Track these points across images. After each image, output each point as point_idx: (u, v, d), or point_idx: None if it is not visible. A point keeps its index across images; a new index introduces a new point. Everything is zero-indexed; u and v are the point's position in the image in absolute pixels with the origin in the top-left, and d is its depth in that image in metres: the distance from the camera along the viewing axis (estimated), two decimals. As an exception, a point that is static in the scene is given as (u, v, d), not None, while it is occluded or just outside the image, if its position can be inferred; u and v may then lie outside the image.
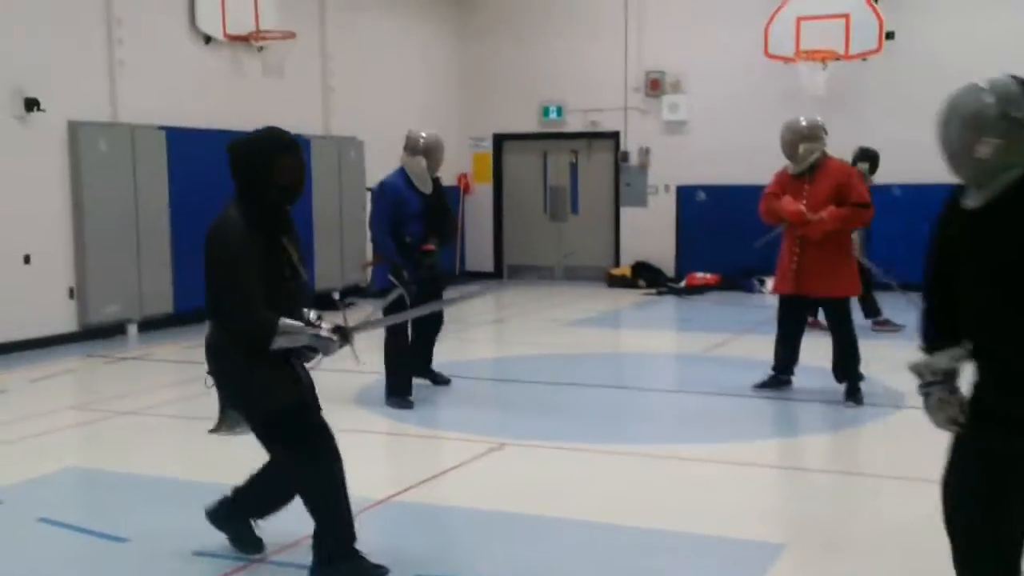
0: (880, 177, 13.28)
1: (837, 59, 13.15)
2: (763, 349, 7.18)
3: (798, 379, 7.20)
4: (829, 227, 6.70)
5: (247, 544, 4.22)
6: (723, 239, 14.01)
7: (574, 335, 10.37)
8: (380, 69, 14.08)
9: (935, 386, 3.08)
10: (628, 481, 5.44)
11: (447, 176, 15.44)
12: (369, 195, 13.40)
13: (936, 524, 4.71)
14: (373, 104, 13.76)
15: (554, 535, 4.60)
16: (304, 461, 3.88)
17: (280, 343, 3.75)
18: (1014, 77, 2.99)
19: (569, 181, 15.39)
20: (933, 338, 3.13)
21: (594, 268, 15.13)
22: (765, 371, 7.30)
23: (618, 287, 14.24)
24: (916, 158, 13.08)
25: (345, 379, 7.87)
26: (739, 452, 5.99)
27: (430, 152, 7.24)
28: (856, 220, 6.85)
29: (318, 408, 4.00)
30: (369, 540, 4.01)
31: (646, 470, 5.62)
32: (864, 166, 10.04)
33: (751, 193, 13.61)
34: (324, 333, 3.91)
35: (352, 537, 3.88)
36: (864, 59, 13.15)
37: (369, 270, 7.84)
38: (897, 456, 5.94)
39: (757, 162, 13.51)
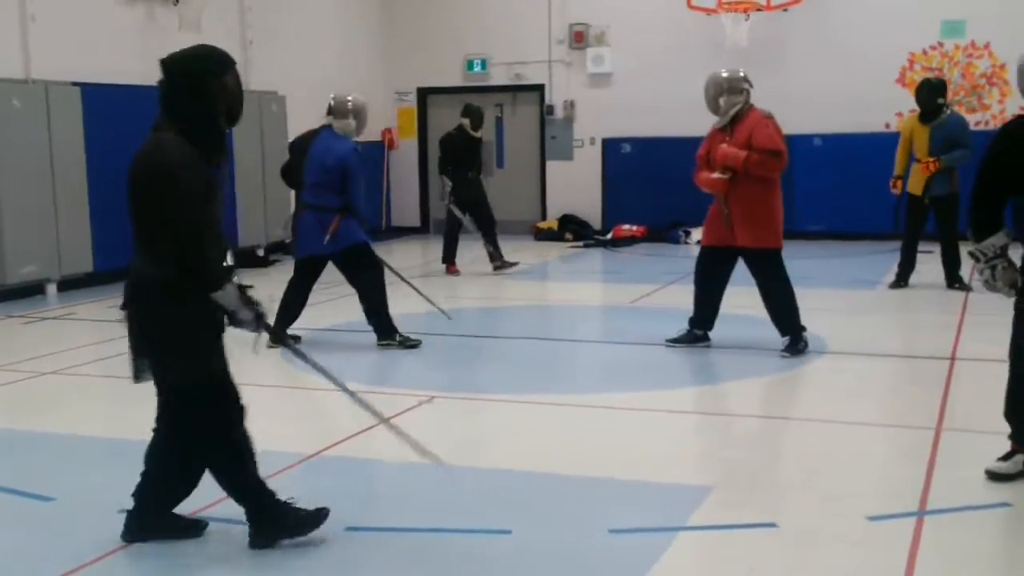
0: (801, 128, 13.50)
1: (759, 10, 13.28)
2: (688, 299, 7.27)
3: (722, 326, 7.31)
4: (739, 166, 6.68)
5: (187, 531, 3.96)
6: (649, 191, 14.12)
7: (501, 288, 10.40)
8: (300, 22, 13.82)
9: (997, 259, 4.19)
10: (558, 431, 5.51)
11: (371, 131, 15.36)
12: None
13: (857, 463, 4.88)
14: (294, 58, 13.51)
15: (485, 485, 4.64)
16: (216, 431, 3.73)
17: (220, 296, 3.54)
18: None
19: (494, 135, 15.33)
20: (984, 220, 4.21)
21: (520, 222, 15.13)
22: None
23: (545, 240, 14.29)
24: (836, 108, 13.38)
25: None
26: (666, 400, 6.09)
27: (359, 114, 7.46)
28: (765, 166, 6.72)
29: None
30: (300, 495, 4.01)
31: (575, 420, 5.69)
32: (465, 121, 11.04)
33: (676, 145, 13.77)
34: (248, 316, 3.67)
35: (272, 495, 3.82)
36: (785, 10, 13.29)
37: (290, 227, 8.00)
38: (819, 400, 6.10)
39: (682, 114, 13.59)
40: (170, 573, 3.73)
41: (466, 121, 11.12)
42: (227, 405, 3.75)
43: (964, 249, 5.79)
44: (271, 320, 3.89)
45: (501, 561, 3.80)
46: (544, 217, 15.05)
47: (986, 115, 13.14)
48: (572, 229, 14.38)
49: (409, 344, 7.39)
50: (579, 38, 14.69)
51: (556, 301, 10.35)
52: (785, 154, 6.76)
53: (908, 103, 13.21)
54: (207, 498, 4.04)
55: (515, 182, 15.38)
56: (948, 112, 9.35)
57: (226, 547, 3.91)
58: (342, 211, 7.28)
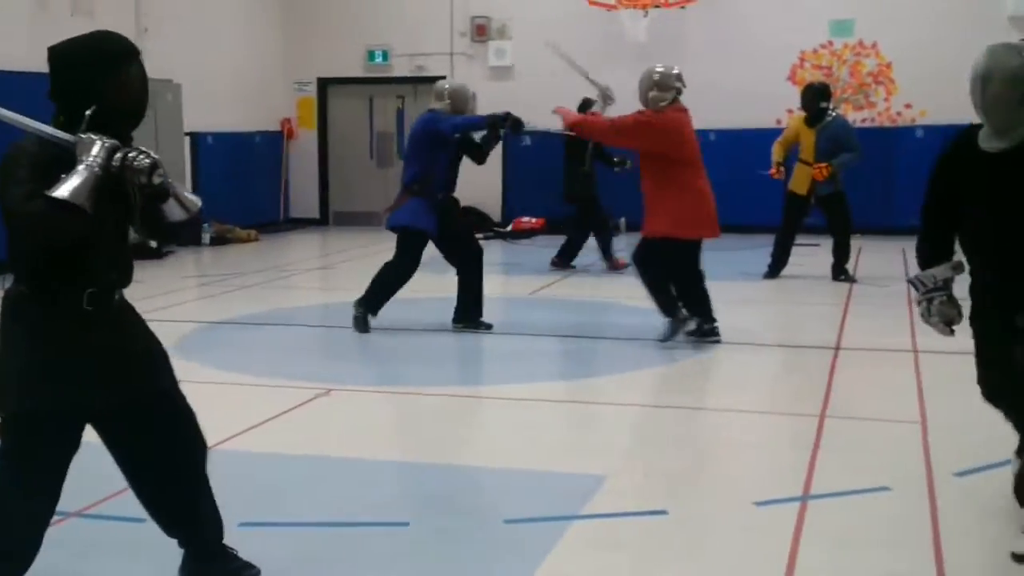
0: (697, 123, 13.68)
1: (657, 7, 13.49)
2: (586, 291, 7.38)
3: (619, 317, 7.43)
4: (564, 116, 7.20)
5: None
6: (549, 184, 14.21)
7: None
8: (197, 9, 13.53)
9: (936, 292, 3.79)
10: (456, 422, 5.54)
11: (270, 121, 15.16)
12: (189, 140, 13.01)
13: (744, 451, 5.02)
14: (191, 46, 13.22)
15: (382, 478, 4.65)
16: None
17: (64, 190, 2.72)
18: None
19: (396, 126, 15.27)
20: (930, 256, 3.85)
21: (422, 214, 15.11)
22: (592, 312, 7.50)
23: (446, 232, 14.27)
24: (730, 104, 13.66)
25: (162, 328, 7.68)
26: (561, 390, 6.18)
27: (455, 97, 7.55)
28: (587, 127, 7.29)
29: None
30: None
31: (472, 411, 5.73)
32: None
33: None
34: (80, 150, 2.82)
35: None
36: (683, 7, 13.52)
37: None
38: (708, 389, 6.26)
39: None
40: None
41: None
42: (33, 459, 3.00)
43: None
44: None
45: (398, 554, 3.81)
46: (446, 209, 15.03)
47: (872, 113, 13.59)
48: (472, 221, 14.40)
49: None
50: (481, 31, 14.72)
51: (454, 293, 10.37)
52: (616, 127, 7.06)
53: (798, 100, 13.60)
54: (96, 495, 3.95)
55: (416, 174, 15.32)
56: (832, 116, 9.67)
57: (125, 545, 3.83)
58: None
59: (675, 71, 7.13)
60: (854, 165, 9.58)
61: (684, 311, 7.03)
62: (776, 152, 9.91)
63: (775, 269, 9.92)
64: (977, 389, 4.17)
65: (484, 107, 14.86)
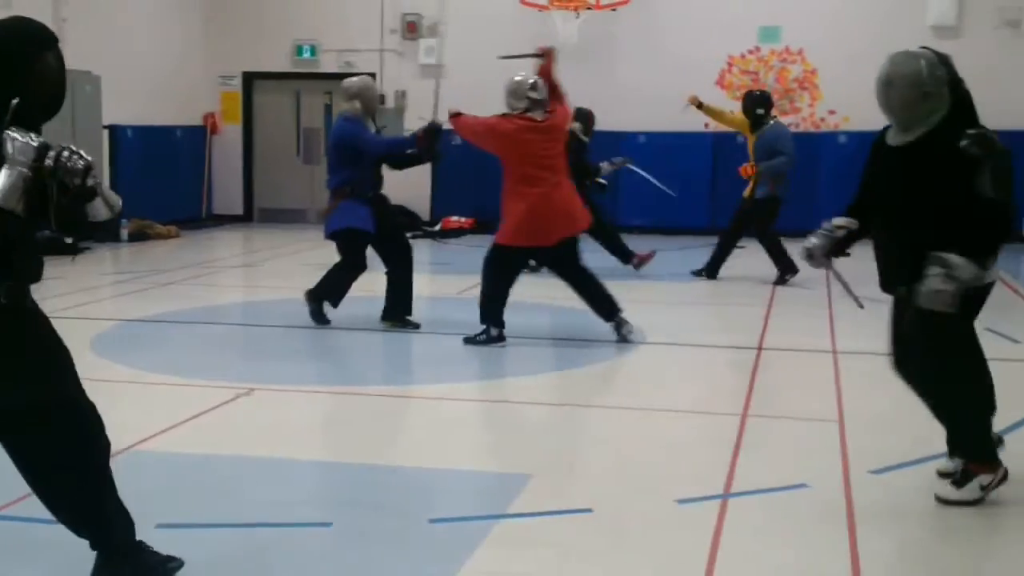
0: (628, 125, 13.88)
1: (589, 8, 13.55)
2: (514, 291, 7.37)
3: (541, 318, 7.44)
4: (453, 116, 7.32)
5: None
6: (478, 183, 14.20)
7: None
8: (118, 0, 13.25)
9: (822, 230, 4.40)
10: (379, 422, 5.49)
11: (192, 115, 14.90)
12: (107, 133, 12.72)
13: (668, 450, 5.06)
14: (111, 36, 12.94)
15: (305, 477, 4.59)
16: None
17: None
18: (929, 48, 4.24)
19: (323, 123, 15.11)
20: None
21: (350, 212, 14.99)
22: (520, 313, 7.49)
23: (374, 231, 14.18)
24: (660, 107, 13.78)
25: (78, 325, 7.50)
26: (486, 390, 6.17)
27: (363, 95, 7.64)
28: (457, 126, 7.40)
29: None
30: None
31: (396, 411, 5.69)
32: (576, 125, 10.43)
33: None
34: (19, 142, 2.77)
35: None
36: (614, 9, 13.61)
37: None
38: (633, 389, 6.30)
39: (510, 108, 13.77)
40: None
41: (577, 126, 10.23)
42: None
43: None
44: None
45: (320, 555, 3.76)
46: (374, 207, 14.93)
47: (797, 118, 13.82)
48: (401, 220, 14.31)
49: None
50: (412, 28, 14.65)
51: (382, 292, 10.30)
52: (472, 128, 7.27)
53: (727, 104, 13.76)
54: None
55: (344, 171, 15.19)
56: (770, 123, 9.82)
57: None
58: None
59: (530, 81, 7.19)
60: (784, 170, 9.69)
61: (495, 331, 7.07)
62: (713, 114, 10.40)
63: (712, 269, 10.03)
64: (894, 388, 4.26)
65: (415, 103, 14.83)
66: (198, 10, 14.91)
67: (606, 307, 7.16)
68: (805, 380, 6.35)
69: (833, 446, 4.92)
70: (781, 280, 9.79)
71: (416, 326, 7.57)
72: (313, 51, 14.94)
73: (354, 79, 7.69)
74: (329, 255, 11.58)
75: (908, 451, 4.82)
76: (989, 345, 6.41)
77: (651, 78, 13.91)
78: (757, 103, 9.88)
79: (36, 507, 3.70)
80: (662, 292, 9.52)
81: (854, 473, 4.54)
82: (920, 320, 4.06)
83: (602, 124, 13.98)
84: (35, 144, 2.77)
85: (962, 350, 4.12)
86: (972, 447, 4.21)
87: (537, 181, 7.02)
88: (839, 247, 4.46)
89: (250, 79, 15.30)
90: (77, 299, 8.64)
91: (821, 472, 4.56)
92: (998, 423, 4.30)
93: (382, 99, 14.85)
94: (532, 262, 9.50)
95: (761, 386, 6.12)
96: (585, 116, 10.38)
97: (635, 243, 10.56)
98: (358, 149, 7.41)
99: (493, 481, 4.52)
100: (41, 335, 3.12)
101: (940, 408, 4.30)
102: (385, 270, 7.72)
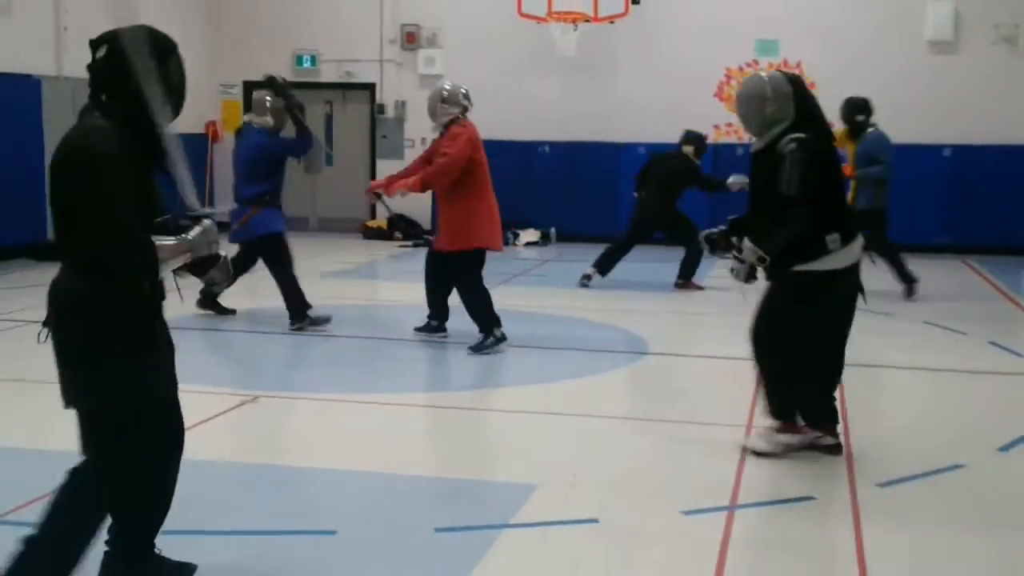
0: (626, 136, 13.91)
1: (587, 21, 13.57)
2: (514, 300, 7.38)
3: (545, 327, 7.42)
4: (417, 189, 7.15)
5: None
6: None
7: (329, 287, 10.25)
8: (119, 8, 13.22)
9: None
10: (384, 431, 5.47)
11: (194, 123, 14.89)
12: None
13: (673, 461, 5.05)
14: (113, 45, 12.92)
15: (310, 484, 4.58)
16: (128, 475, 3.20)
17: (169, 267, 3.05)
18: (780, 70, 5.00)
19: (324, 132, 15.12)
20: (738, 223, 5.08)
21: (349, 220, 14.99)
22: (523, 322, 7.50)
23: (373, 239, 14.20)
24: (659, 119, 13.81)
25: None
26: (490, 399, 6.16)
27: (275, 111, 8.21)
28: (430, 178, 7.02)
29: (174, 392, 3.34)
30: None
31: (401, 419, 5.67)
32: (688, 149, 10.24)
33: (505, 149, 13.92)
34: (195, 234, 3.11)
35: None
36: (612, 22, 13.63)
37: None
38: (637, 400, 6.30)
39: (511, 118, 13.79)
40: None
41: (689, 149, 10.24)
42: (150, 449, 3.23)
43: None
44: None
45: (326, 562, 3.75)
46: (373, 216, 14.95)
47: (796, 131, 13.83)
48: (401, 228, 14.34)
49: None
50: (411, 39, 14.67)
51: (383, 301, 10.30)
52: (453, 159, 6.95)
53: (726, 116, 13.83)
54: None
55: (344, 180, 15.19)
56: (871, 130, 9.44)
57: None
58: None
59: (463, 89, 7.31)
60: (879, 178, 9.30)
61: (498, 331, 7.13)
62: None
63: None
64: (900, 402, 4.26)
65: (415, 113, 14.81)
66: (199, 19, 14.93)
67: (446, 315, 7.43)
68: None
69: (839, 459, 4.91)
70: (909, 293, 9.44)
71: (327, 320, 7.84)
72: (313, 61, 14.96)
73: (267, 95, 8.12)
74: (328, 263, 11.62)
75: (915, 464, 4.82)
76: (993, 359, 6.43)
77: (650, 90, 13.94)
78: (857, 109, 9.49)
79: (32, 513, 3.69)
80: (665, 302, 9.52)
81: (860, 486, 4.53)
82: (764, 298, 4.94)
83: (601, 135, 14.09)
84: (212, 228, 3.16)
85: (781, 326, 4.86)
86: (775, 409, 4.98)
87: (483, 185, 7.15)
88: (731, 239, 5.08)
89: (251, 88, 15.28)
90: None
91: (827, 485, 4.57)
92: (1001, 435, 4.30)
93: (381, 109, 14.95)
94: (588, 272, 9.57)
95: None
96: (698, 139, 10.34)
97: (637, 253, 10.52)
98: (279, 158, 7.97)
99: (498, 491, 4.51)
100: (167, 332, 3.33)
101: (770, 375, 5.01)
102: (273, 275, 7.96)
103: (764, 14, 13.78)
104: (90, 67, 3.15)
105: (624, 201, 13.67)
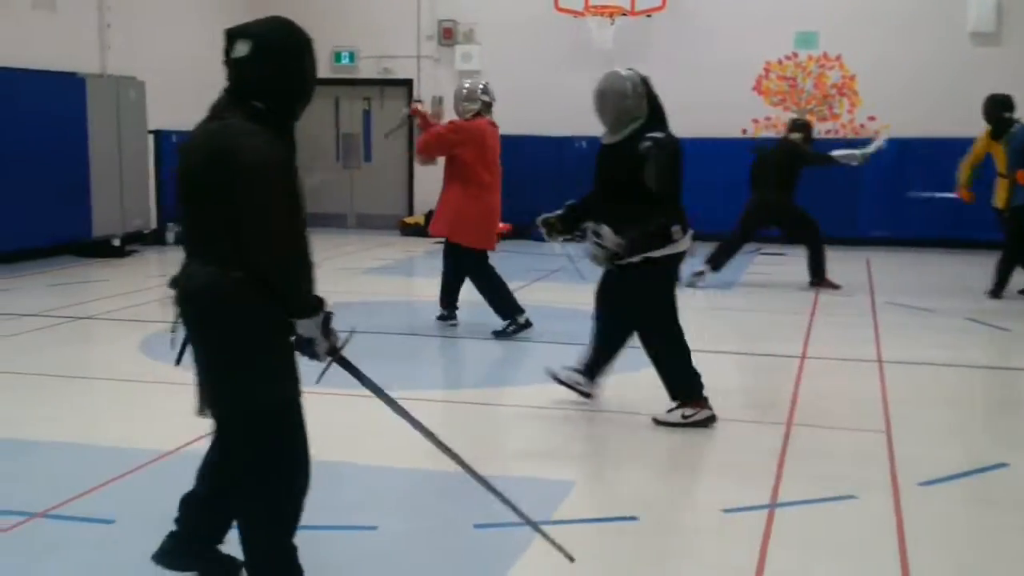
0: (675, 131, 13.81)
1: (624, 15, 13.54)
2: (550, 296, 7.38)
3: (574, 323, 7.40)
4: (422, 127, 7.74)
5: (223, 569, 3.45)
6: (517, 189, 14.22)
7: (367, 283, 10.32)
8: (161, 5, 13.40)
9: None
10: (427, 426, 5.49)
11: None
12: (152, 138, 12.86)
13: (712, 457, 5.04)
14: (154, 43, 13.09)
15: (352, 481, 4.61)
16: (276, 472, 3.18)
17: (304, 325, 3.04)
18: (633, 69, 5.26)
19: (362, 128, 15.20)
20: (576, 209, 5.53)
21: (387, 216, 15.07)
22: (558, 318, 7.50)
23: (411, 235, 14.25)
24: (696, 113, 13.72)
25: (127, 327, 7.59)
26: (527, 395, 6.15)
27: None
28: (420, 141, 7.69)
29: None
30: (160, 492, 3.91)
31: (440, 415, 5.70)
32: (796, 136, 10.08)
33: (542, 144, 13.93)
34: (323, 349, 3.17)
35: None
36: (649, 16, 13.58)
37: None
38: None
39: (548, 113, 13.79)
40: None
41: (797, 136, 10.07)
42: (293, 445, 3.22)
43: None
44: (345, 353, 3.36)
45: (367, 557, 3.78)
46: (411, 212, 15.01)
47: (835, 124, 13.74)
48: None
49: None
50: (448, 35, 14.71)
51: (421, 297, 10.33)
52: (433, 135, 7.53)
53: (765, 110, 13.75)
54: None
55: (382, 176, 15.29)
56: (1017, 126, 9.14)
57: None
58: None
59: (481, 85, 7.70)
60: None
61: (521, 317, 7.48)
62: (962, 172, 9.56)
63: (1000, 288, 9.29)
64: (942, 398, 4.21)
65: (452, 109, 14.85)
66: (240, 16, 14.98)
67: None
68: (851, 389, 6.29)
69: (881, 457, 4.88)
70: None
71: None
72: (351, 57, 15.04)
73: None
74: (367, 259, 11.68)
75: (958, 463, 4.78)
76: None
77: (686, 84, 13.82)
78: (1002, 106, 9.18)
79: (81, 507, 3.76)
80: (705, 299, 9.49)
81: (903, 485, 4.50)
82: (627, 283, 5.23)
83: (639, 130, 14.04)
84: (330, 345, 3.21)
85: (653, 306, 5.32)
86: (674, 387, 5.38)
87: (489, 184, 7.53)
88: (569, 224, 5.50)
89: (290, 84, 15.41)
90: (125, 301, 8.75)
91: (869, 483, 4.53)
92: None
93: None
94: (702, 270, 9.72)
95: (805, 395, 6.07)
96: (804, 126, 10.21)
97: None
98: None
99: (537, 487, 4.52)
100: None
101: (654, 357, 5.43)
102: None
103: (803, 5, 13.67)
104: (232, 63, 3.08)
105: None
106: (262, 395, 3.07)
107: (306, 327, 3.04)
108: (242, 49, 3.04)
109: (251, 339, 3.02)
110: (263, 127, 2.97)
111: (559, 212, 5.55)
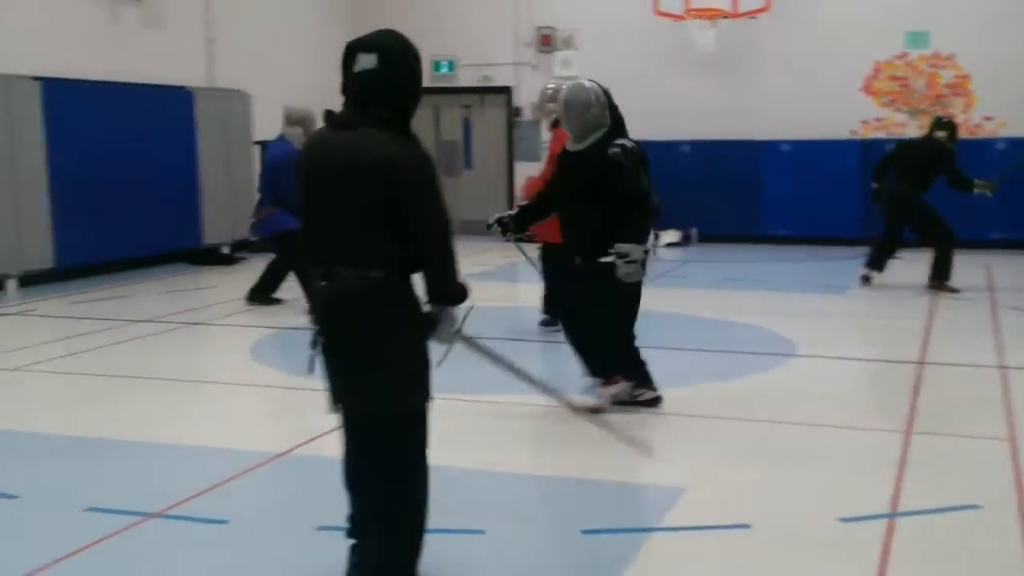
0: (768, 134, 13.59)
1: (726, 18, 13.33)
2: (658, 301, 7.27)
3: (687, 330, 7.30)
4: None
5: None
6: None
7: (472, 289, 10.33)
8: (265, 19, 13.70)
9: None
10: (529, 431, 5.47)
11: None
12: (258, 149, 13.14)
13: (828, 465, 4.87)
14: (260, 57, 13.38)
15: (457, 484, 4.59)
16: (413, 471, 3.36)
17: (454, 312, 3.33)
18: (595, 81, 5.50)
19: (462, 135, 15.30)
20: (529, 210, 5.89)
21: (488, 223, 15.11)
22: (667, 324, 7.38)
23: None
24: (802, 115, 13.47)
25: (237, 333, 7.74)
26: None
27: (305, 122, 8.49)
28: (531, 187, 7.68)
29: None
30: (270, 494, 3.95)
31: (547, 421, 5.65)
32: (941, 134, 9.77)
33: (646, 148, 13.77)
34: (454, 331, 3.42)
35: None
36: (753, 17, 13.35)
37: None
38: (789, 402, 6.10)
39: (648, 118, 13.65)
40: (146, 565, 3.66)
41: (942, 135, 9.76)
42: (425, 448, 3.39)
43: None
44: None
45: (476, 561, 3.76)
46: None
47: (949, 124, 13.27)
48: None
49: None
50: (546, 41, 14.69)
51: (525, 301, 10.32)
52: (538, 184, 7.22)
53: (873, 112, 13.38)
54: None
55: (483, 182, 15.35)
56: None
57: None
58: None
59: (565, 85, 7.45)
60: None
61: None
62: None
63: None
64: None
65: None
66: (342, 28, 15.26)
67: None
68: (972, 396, 6.04)
69: (1005, 465, 4.66)
70: None
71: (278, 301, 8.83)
72: (451, 66, 15.14)
73: (297, 106, 8.64)
74: (470, 265, 11.72)
75: (1089, 472, 4.54)
76: None
77: (792, 86, 13.59)
78: None
79: (196, 508, 3.82)
80: (820, 303, 9.26)
81: (1030, 494, 4.29)
82: (594, 284, 5.38)
83: (742, 133, 13.81)
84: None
85: (603, 301, 5.45)
86: (596, 369, 5.66)
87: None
88: (523, 223, 5.80)
89: (391, 94, 15.61)
90: (234, 307, 8.94)
91: (993, 493, 4.33)
92: None
93: (518, 112, 15.03)
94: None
95: (925, 402, 5.85)
96: (949, 124, 9.89)
97: (778, 253, 10.28)
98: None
99: (645, 493, 4.45)
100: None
101: (591, 347, 5.68)
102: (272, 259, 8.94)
103: (912, 4, 13.27)
104: (356, 75, 3.20)
105: (766, 199, 13.40)
106: (414, 395, 3.24)
107: (453, 313, 3.28)
108: (369, 61, 3.16)
109: (403, 340, 3.18)
110: (395, 134, 3.10)
111: (511, 212, 5.87)
